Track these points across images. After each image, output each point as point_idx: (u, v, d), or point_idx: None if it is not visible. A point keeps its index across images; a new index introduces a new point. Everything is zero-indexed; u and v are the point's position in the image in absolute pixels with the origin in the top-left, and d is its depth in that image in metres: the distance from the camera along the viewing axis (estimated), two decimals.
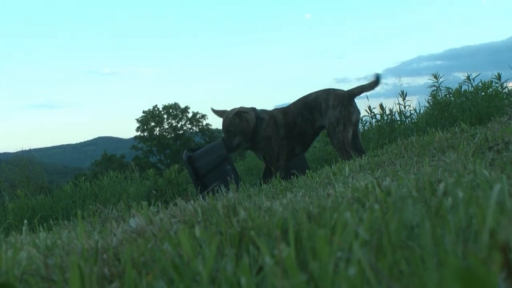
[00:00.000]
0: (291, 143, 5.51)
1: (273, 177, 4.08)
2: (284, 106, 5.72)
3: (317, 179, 3.08)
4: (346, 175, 3.00)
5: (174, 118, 56.87)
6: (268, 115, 5.51)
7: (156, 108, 56.61)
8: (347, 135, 5.25)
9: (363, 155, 4.43)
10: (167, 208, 2.16)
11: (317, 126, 5.47)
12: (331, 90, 5.44)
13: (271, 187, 3.22)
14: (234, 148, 5.39)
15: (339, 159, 5.10)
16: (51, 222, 3.01)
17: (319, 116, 5.40)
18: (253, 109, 5.56)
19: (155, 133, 55.12)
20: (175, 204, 1.80)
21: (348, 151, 5.22)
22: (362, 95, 5.47)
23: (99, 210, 2.85)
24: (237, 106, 5.63)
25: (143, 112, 56.10)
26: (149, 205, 3.13)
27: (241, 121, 5.37)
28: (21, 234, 2.44)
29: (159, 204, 2.33)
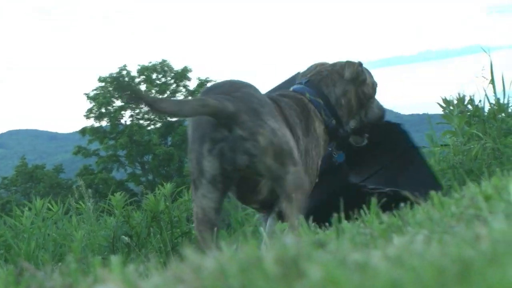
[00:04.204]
0: None
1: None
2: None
3: (453, 208, 3.12)
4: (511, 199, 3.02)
5: (161, 91, 55.98)
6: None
7: (124, 72, 55.89)
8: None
9: None
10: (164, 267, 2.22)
11: None
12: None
13: (361, 226, 3.27)
14: None
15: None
16: None
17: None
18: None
19: (122, 120, 54.56)
20: (181, 259, 1.87)
21: None
22: None
23: (25, 272, 2.93)
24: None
25: (100, 80, 55.18)
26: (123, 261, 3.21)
27: None
28: None
29: (150, 259, 2.40)
